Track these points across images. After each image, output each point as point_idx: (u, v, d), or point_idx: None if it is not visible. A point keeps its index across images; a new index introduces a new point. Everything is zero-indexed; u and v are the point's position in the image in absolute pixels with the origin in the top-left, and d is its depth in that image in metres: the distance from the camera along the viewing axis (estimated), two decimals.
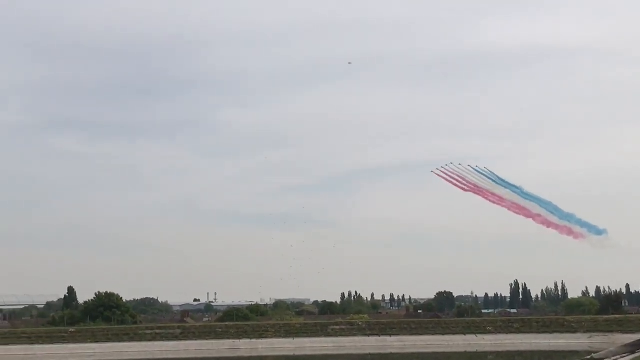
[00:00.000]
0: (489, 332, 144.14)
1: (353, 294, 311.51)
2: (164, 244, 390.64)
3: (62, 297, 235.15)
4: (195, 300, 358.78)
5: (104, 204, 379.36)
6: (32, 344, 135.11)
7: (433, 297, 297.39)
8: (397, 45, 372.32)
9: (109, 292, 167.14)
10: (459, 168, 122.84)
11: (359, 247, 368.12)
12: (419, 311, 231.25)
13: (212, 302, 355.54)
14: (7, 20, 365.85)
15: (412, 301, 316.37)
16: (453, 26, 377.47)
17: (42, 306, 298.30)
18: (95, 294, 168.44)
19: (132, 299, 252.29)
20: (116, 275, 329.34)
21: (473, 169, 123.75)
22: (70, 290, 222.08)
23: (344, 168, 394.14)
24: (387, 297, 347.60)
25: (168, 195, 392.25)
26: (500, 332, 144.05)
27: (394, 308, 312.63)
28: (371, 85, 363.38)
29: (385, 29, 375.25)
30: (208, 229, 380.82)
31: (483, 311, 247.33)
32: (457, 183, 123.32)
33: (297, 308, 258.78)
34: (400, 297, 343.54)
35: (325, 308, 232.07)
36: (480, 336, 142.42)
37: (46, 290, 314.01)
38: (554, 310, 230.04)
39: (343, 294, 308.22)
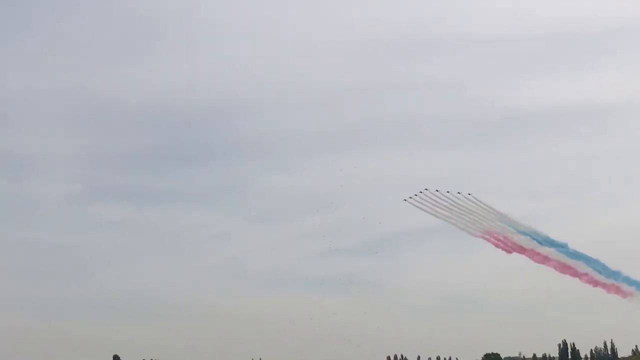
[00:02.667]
0: None
1: (399, 357, 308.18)
2: (209, 310, 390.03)
3: None
4: None
5: (149, 271, 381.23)
6: None
7: (480, 359, 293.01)
8: (437, 106, 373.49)
9: (154, 359, 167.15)
10: (504, 227, 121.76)
11: (404, 309, 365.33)
12: None
13: None
14: (57, 94, 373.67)
15: None
16: (494, 86, 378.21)
17: None
18: None
19: None
20: (162, 341, 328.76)
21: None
22: (116, 358, 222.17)
23: (387, 230, 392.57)
24: (434, 359, 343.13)
25: (212, 260, 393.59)
26: None
27: None
28: (413, 146, 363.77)
29: (425, 91, 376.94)
30: (252, 293, 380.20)
31: None
32: (502, 245, 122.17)
33: None
34: (447, 359, 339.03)
35: None
36: None
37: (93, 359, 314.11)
38: None
39: (389, 357, 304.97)
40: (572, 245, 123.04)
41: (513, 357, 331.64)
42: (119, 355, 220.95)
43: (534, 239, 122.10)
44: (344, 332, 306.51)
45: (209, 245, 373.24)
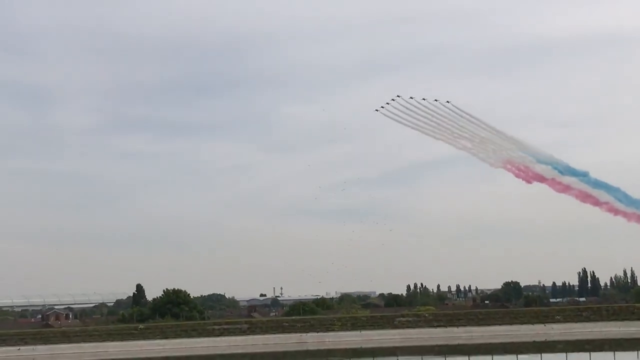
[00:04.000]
0: (558, 322, 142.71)
1: (419, 286, 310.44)
2: (229, 240, 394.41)
3: (131, 294, 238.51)
4: (261, 295, 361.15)
5: (170, 202, 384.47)
6: (102, 341, 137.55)
7: (500, 287, 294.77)
8: (461, 35, 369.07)
9: (176, 288, 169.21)
10: (523, 157, 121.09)
11: (423, 238, 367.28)
12: (486, 302, 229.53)
13: (278, 296, 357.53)
14: (74, 26, 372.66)
15: (479, 292, 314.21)
16: (518, 15, 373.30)
17: (112, 304, 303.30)
18: (163, 291, 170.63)
19: (199, 295, 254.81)
20: (183, 272, 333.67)
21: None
22: (139, 287, 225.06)
23: (408, 160, 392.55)
24: (453, 289, 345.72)
25: (233, 192, 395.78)
26: (569, 321, 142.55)
27: (460, 299, 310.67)
28: (437, 75, 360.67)
29: (449, 21, 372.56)
30: (272, 224, 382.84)
31: (551, 300, 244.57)
32: (523, 174, 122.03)
33: (362, 301, 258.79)
34: (467, 288, 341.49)
35: (391, 300, 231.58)
36: (548, 325, 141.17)
37: (115, 289, 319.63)
38: (624, 298, 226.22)
39: (408, 286, 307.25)
40: (594, 174, 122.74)
41: (532, 285, 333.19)
42: (142, 285, 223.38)
43: (555, 168, 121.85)
44: (362, 261, 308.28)
45: (231, 176, 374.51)
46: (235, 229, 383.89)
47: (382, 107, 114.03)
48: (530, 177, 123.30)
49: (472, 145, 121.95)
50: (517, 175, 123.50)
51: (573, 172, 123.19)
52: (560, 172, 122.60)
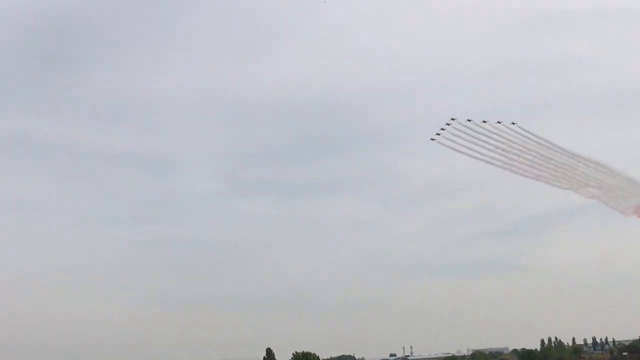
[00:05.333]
0: None
1: (553, 339, 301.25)
2: (357, 300, 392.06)
3: (261, 358, 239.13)
4: (391, 355, 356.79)
5: (295, 263, 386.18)
6: None
7: (638, 337, 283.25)
8: (585, 80, 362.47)
9: (305, 351, 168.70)
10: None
11: (554, 290, 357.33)
12: (624, 353, 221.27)
13: (409, 355, 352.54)
14: (196, 95, 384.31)
15: (617, 343, 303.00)
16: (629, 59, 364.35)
17: None
18: (293, 354, 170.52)
19: (328, 357, 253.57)
20: (312, 334, 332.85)
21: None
22: (269, 351, 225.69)
23: (531, 212, 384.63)
24: (590, 341, 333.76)
25: (357, 250, 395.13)
26: None
27: (597, 351, 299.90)
28: (551, 124, 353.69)
29: (564, 66, 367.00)
30: (400, 281, 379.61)
31: None
32: None
33: (495, 357, 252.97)
34: (603, 340, 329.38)
35: (525, 356, 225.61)
36: None
37: (245, 353, 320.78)
38: None
39: (542, 341, 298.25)
40: None
41: None
42: (272, 349, 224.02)
43: None
44: (495, 315, 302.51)
45: (352, 235, 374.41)
46: (361, 288, 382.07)
47: (438, 134, 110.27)
48: None
49: (601, 193, 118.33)
50: None
51: None
52: None
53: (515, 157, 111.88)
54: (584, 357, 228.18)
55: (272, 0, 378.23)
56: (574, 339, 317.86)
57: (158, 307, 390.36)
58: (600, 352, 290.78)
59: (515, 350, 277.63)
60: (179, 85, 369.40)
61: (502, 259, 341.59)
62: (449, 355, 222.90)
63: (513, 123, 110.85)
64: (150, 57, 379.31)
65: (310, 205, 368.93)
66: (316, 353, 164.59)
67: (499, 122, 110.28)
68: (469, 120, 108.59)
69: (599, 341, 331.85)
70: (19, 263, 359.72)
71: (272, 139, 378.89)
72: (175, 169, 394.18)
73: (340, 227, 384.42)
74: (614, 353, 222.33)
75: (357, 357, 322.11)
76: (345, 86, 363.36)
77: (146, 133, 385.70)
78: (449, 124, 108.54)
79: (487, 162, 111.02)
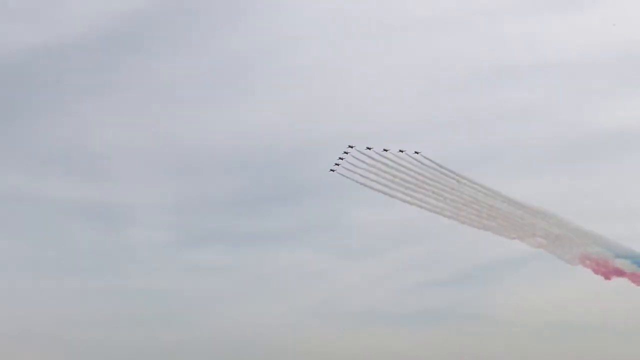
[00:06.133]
0: None
1: None
2: (309, 349, 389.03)
3: None
4: None
5: (246, 313, 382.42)
6: None
7: None
8: (520, 133, 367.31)
9: None
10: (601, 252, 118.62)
11: (505, 337, 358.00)
12: None
13: None
14: (145, 144, 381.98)
15: None
16: (576, 110, 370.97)
17: None
18: None
19: None
20: None
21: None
22: None
23: (480, 260, 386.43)
24: None
25: (308, 300, 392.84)
26: None
27: None
28: (499, 175, 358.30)
29: (516, 118, 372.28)
30: (350, 330, 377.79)
31: None
32: (602, 270, 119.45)
33: None
34: None
35: None
36: None
37: None
38: None
39: None
40: None
41: None
42: None
43: (634, 262, 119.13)
44: None
45: (304, 285, 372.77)
46: (311, 338, 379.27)
47: (337, 164, 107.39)
48: (610, 272, 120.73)
49: (548, 242, 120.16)
50: (595, 271, 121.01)
51: None
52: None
53: (463, 207, 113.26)
54: None
55: (222, 49, 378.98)
56: None
57: (104, 358, 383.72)
58: None
59: None
60: (128, 133, 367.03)
61: (451, 308, 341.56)
62: None
63: (416, 152, 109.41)
64: (99, 105, 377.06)
65: (261, 255, 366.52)
66: None
67: (401, 151, 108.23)
68: (369, 149, 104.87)
69: None
70: None
71: (222, 188, 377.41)
72: (125, 219, 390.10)
73: (292, 276, 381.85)
74: None
75: None
76: (297, 134, 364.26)
77: (94, 182, 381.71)
78: (346, 152, 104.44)
79: (435, 212, 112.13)
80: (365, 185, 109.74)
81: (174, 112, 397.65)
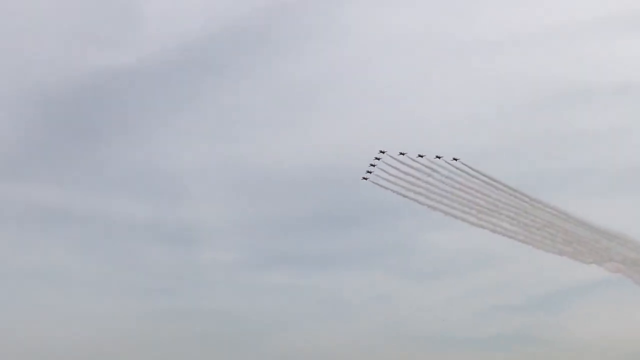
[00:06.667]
0: None
1: None
2: None
3: None
4: None
5: (315, 335, 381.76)
6: None
7: None
8: (606, 154, 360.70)
9: None
10: None
11: None
12: None
13: None
14: (221, 165, 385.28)
15: None
16: None
17: None
18: None
19: None
20: None
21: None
22: None
23: (552, 285, 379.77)
24: None
25: (378, 322, 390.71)
26: None
27: None
28: (579, 197, 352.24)
29: (589, 137, 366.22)
30: (418, 355, 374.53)
31: None
32: None
33: None
34: None
35: None
36: None
37: None
38: None
39: None
40: None
41: None
42: None
43: None
44: None
45: (373, 307, 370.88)
46: None
47: (369, 172, 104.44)
48: None
49: (625, 266, 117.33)
50: None
51: None
52: None
53: (537, 231, 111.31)
54: None
55: (294, 71, 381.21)
56: None
57: None
58: None
59: None
60: (202, 154, 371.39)
61: (522, 334, 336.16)
62: None
63: (455, 159, 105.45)
64: (174, 126, 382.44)
65: (331, 277, 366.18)
66: None
67: (437, 157, 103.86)
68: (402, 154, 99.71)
69: None
70: (32, 332, 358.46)
71: (294, 209, 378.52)
72: (197, 240, 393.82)
73: (362, 298, 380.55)
74: None
75: None
76: (368, 156, 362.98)
77: (168, 203, 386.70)
78: (377, 158, 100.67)
79: (507, 236, 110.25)
80: (436, 209, 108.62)
81: (246, 133, 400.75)
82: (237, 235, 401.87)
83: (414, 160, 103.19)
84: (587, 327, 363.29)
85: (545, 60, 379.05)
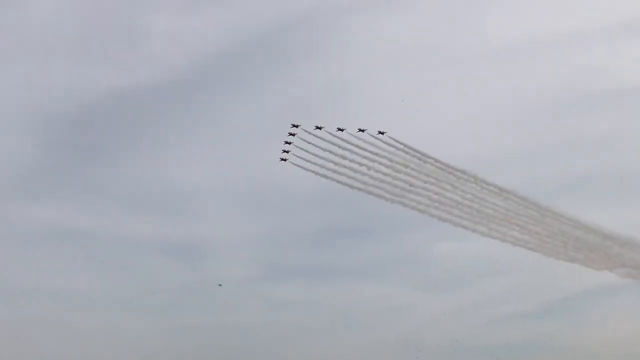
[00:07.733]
0: None
1: None
2: None
3: None
4: None
5: (328, 348, 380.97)
6: None
7: None
8: (614, 159, 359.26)
9: None
10: None
11: None
12: None
13: None
14: (230, 183, 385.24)
15: None
16: None
17: None
18: None
19: None
20: None
21: None
22: None
23: (564, 292, 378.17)
24: None
25: (392, 334, 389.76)
26: None
27: None
28: (584, 203, 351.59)
29: (597, 143, 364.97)
30: None
31: None
32: None
33: None
34: None
35: None
36: None
37: None
38: None
39: None
40: None
41: None
42: None
43: None
44: None
45: (386, 318, 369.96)
46: None
47: (285, 151, 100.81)
48: None
49: (638, 272, 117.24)
50: None
51: None
52: None
53: (548, 239, 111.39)
54: None
55: (302, 86, 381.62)
56: None
57: None
58: None
59: None
60: (211, 172, 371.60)
61: (540, 340, 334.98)
62: None
63: (381, 132, 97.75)
64: (180, 146, 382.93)
65: (344, 289, 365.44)
66: None
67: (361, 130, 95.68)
68: (318, 128, 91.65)
69: None
70: (36, 348, 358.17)
71: (305, 223, 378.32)
72: (209, 256, 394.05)
73: (375, 310, 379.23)
74: None
75: None
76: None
77: (178, 220, 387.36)
78: (291, 134, 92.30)
79: (518, 245, 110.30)
80: (447, 221, 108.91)
81: (255, 152, 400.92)
82: (249, 249, 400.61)
83: (332, 135, 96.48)
84: (599, 334, 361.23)
85: (553, 67, 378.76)
